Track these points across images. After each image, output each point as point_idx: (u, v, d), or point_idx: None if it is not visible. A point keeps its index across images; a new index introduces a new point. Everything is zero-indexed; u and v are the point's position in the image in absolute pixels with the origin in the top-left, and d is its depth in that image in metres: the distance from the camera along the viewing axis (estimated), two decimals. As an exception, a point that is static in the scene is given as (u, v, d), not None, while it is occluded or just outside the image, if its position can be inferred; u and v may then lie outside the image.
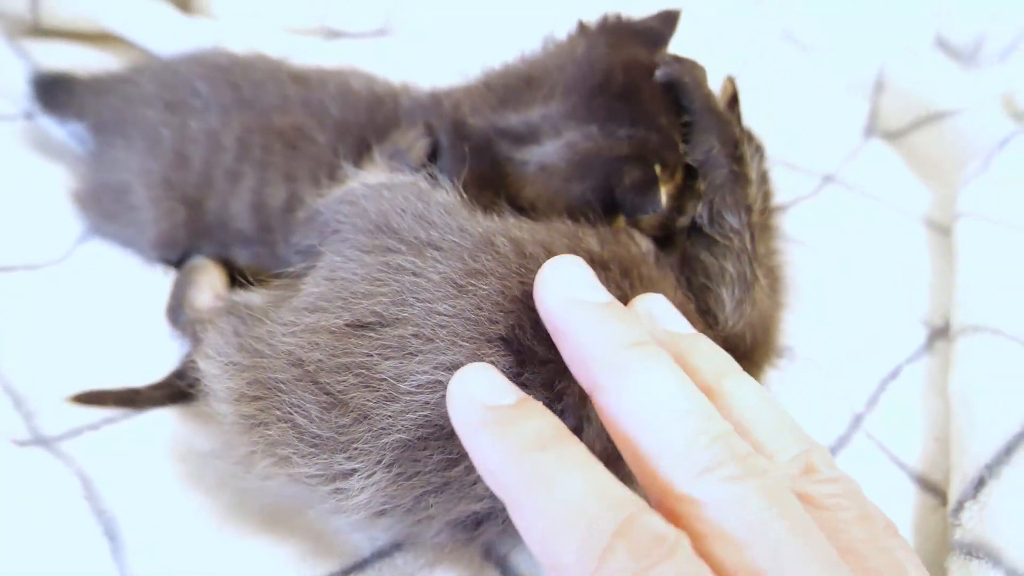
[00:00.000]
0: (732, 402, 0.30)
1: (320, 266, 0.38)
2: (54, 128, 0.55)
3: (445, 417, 0.32)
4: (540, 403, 0.29)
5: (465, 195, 0.38)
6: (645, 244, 0.40)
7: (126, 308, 0.47)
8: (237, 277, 0.45)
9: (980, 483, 0.41)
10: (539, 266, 0.33)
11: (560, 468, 0.26)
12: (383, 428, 0.32)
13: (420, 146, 0.44)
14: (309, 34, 0.70)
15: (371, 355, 0.33)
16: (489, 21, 0.73)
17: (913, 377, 0.51)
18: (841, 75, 0.77)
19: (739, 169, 0.40)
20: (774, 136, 0.53)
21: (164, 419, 0.42)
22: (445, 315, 0.33)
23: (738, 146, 0.40)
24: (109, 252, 0.50)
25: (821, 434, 0.46)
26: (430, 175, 0.40)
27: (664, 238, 0.41)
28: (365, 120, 0.47)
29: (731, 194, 0.40)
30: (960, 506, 0.41)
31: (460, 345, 0.32)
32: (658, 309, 0.33)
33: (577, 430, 0.33)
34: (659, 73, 0.41)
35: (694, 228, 0.41)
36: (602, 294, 0.31)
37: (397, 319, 0.33)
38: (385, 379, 0.32)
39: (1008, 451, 0.42)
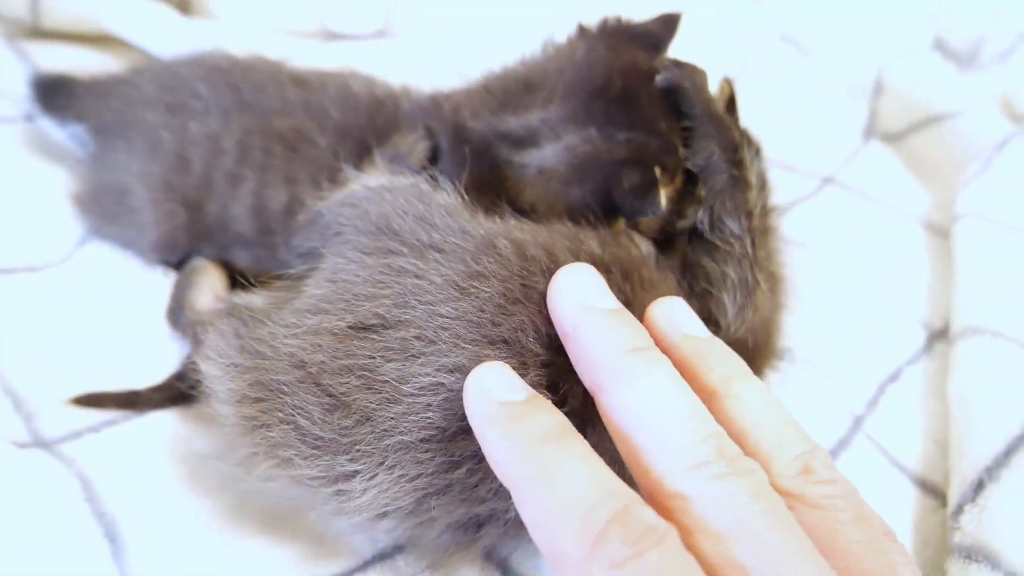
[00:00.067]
0: (738, 404, 0.32)
1: (322, 268, 0.38)
2: (54, 130, 0.55)
3: (447, 419, 0.32)
4: (549, 401, 0.31)
5: (466, 197, 0.38)
6: (645, 246, 0.40)
7: (126, 310, 0.47)
8: (238, 279, 0.45)
9: (979, 486, 0.41)
10: (540, 268, 0.34)
11: (563, 461, 0.28)
12: (385, 430, 0.32)
13: (420, 149, 0.44)
14: (309, 36, 0.70)
15: (373, 357, 0.33)
16: (489, 22, 0.73)
17: (913, 379, 0.51)
18: (840, 77, 0.77)
19: (739, 174, 0.40)
20: (773, 138, 0.53)
21: (165, 421, 0.42)
22: (447, 317, 0.33)
23: (738, 151, 0.40)
24: (109, 254, 0.50)
25: (821, 436, 0.46)
26: (431, 177, 0.40)
27: (665, 241, 0.41)
28: (365, 123, 0.47)
29: (731, 199, 0.40)
30: (959, 509, 0.41)
31: (462, 347, 0.32)
32: (677, 312, 0.35)
33: (580, 432, 0.33)
34: (659, 78, 0.41)
35: (695, 233, 0.41)
36: (611, 301, 0.33)
37: (399, 321, 0.33)
38: (387, 381, 0.32)
39: (1007, 454, 0.42)
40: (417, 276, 0.34)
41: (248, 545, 0.37)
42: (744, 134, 0.43)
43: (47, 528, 0.35)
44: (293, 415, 0.33)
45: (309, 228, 0.42)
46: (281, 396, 0.33)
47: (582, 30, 0.46)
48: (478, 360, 0.32)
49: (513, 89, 0.43)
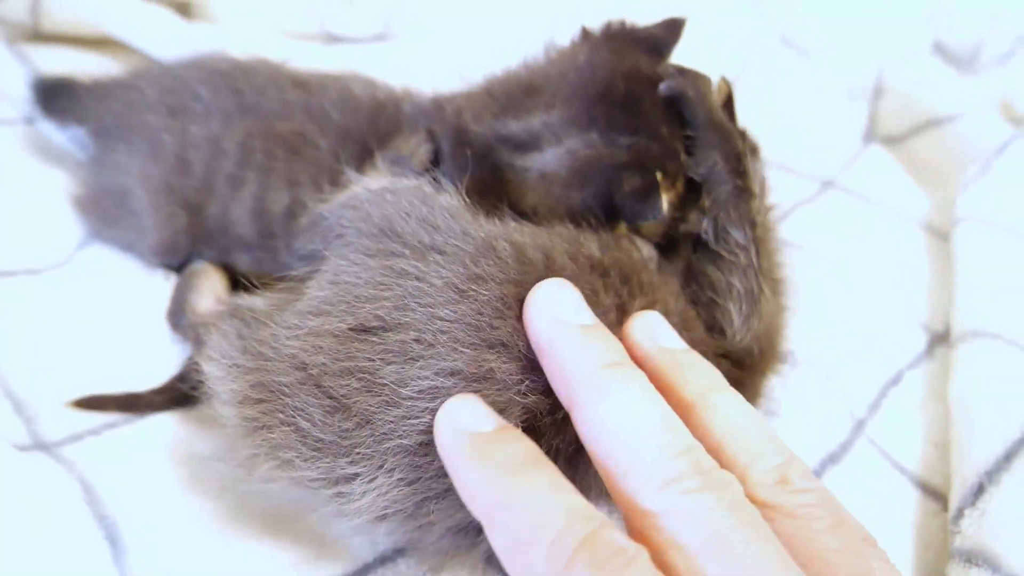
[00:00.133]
0: (715, 415, 0.32)
1: (324, 270, 0.38)
2: (55, 133, 0.55)
3: None
4: (518, 430, 0.31)
5: (468, 200, 0.38)
6: (647, 250, 0.40)
7: (127, 313, 0.47)
8: (239, 282, 0.45)
9: (980, 490, 0.41)
10: (537, 271, 0.34)
11: (531, 488, 0.28)
12: (384, 433, 0.32)
13: (422, 152, 0.44)
14: (309, 39, 0.70)
15: (373, 359, 0.33)
16: (489, 24, 0.74)
17: (914, 382, 0.51)
18: (840, 80, 0.77)
19: (743, 184, 0.40)
20: (773, 140, 0.53)
21: (165, 423, 0.42)
22: (446, 320, 0.33)
23: (741, 160, 0.40)
24: (110, 257, 0.50)
25: (823, 440, 0.46)
26: (434, 179, 0.40)
27: (668, 245, 0.41)
28: (367, 126, 0.47)
29: (735, 209, 0.40)
30: (960, 513, 0.41)
31: (461, 351, 0.32)
32: (654, 325, 0.35)
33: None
34: (663, 87, 0.41)
35: (699, 243, 0.41)
36: (587, 316, 0.33)
37: (399, 324, 0.33)
38: (387, 384, 0.32)
39: (1008, 457, 0.42)
40: (418, 278, 0.34)
41: (249, 547, 0.37)
42: (742, 134, 0.43)
43: (48, 531, 0.35)
44: (294, 417, 0.33)
45: (311, 230, 0.42)
46: (282, 398, 0.33)
47: (585, 33, 0.46)
48: (477, 364, 0.32)
49: (515, 92, 0.43)
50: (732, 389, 0.34)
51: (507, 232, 0.36)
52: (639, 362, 0.33)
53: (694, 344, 0.38)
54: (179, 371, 0.44)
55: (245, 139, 0.47)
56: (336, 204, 0.40)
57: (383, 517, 0.33)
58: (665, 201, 0.39)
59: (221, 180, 0.47)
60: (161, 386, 0.43)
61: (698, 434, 0.31)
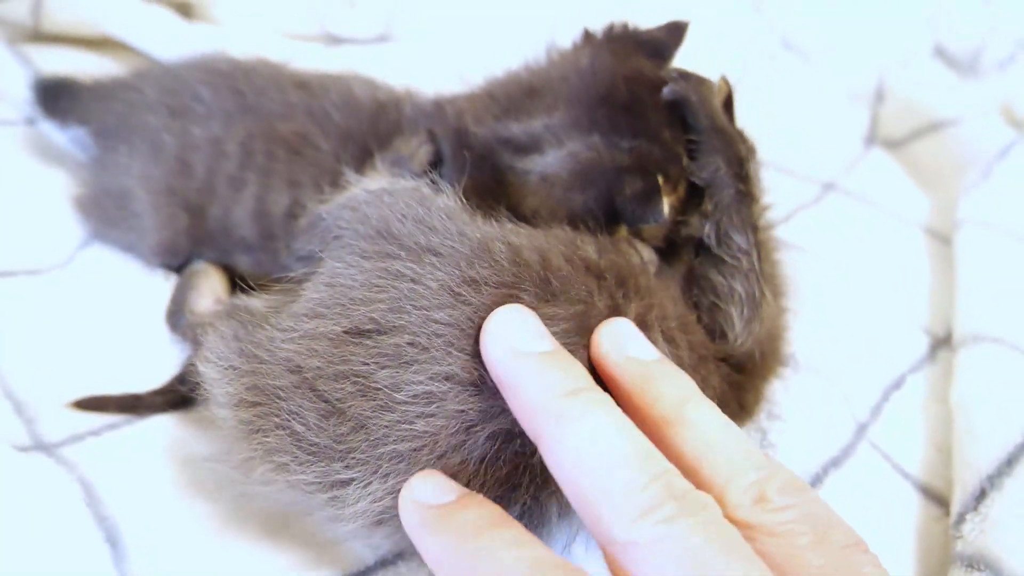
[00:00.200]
0: (690, 432, 0.31)
1: (321, 272, 0.37)
2: (56, 134, 0.55)
3: (439, 429, 0.32)
4: (481, 496, 0.30)
5: (466, 202, 0.38)
6: (647, 254, 0.40)
7: (128, 313, 0.47)
8: (238, 282, 0.45)
9: (981, 494, 0.41)
10: (530, 276, 0.33)
11: (495, 546, 0.28)
12: (379, 438, 0.32)
13: (423, 153, 0.44)
14: (310, 40, 0.70)
15: (367, 363, 0.32)
16: (490, 25, 0.74)
17: (916, 387, 0.51)
18: (841, 83, 0.77)
19: (745, 188, 0.40)
20: (775, 144, 0.53)
21: (165, 425, 0.42)
22: (441, 323, 0.33)
23: (743, 165, 0.40)
24: (110, 257, 0.50)
25: (825, 443, 0.46)
26: (432, 181, 0.40)
27: (669, 249, 0.41)
28: (368, 127, 0.47)
29: (738, 214, 0.40)
30: (961, 518, 0.41)
31: (454, 355, 0.32)
32: (621, 334, 0.34)
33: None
34: (666, 91, 0.40)
35: (702, 247, 0.41)
36: (546, 343, 0.31)
37: (394, 327, 0.33)
38: (381, 388, 0.32)
39: (1010, 462, 0.42)
40: (413, 281, 0.34)
41: (249, 549, 0.37)
42: (741, 135, 0.43)
43: (48, 532, 0.35)
44: (289, 420, 0.33)
45: (309, 231, 0.41)
46: (277, 401, 0.33)
47: (587, 35, 0.46)
48: (470, 369, 0.32)
49: (517, 94, 0.43)
50: (707, 400, 0.32)
51: (504, 234, 0.36)
52: (608, 376, 0.32)
53: (694, 348, 0.38)
54: (179, 372, 0.43)
55: (246, 140, 0.47)
56: (334, 205, 0.40)
57: (379, 522, 0.33)
58: (666, 205, 0.39)
59: (222, 181, 0.47)
60: (161, 387, 0.43)
61: (673, 453, 0.30)
